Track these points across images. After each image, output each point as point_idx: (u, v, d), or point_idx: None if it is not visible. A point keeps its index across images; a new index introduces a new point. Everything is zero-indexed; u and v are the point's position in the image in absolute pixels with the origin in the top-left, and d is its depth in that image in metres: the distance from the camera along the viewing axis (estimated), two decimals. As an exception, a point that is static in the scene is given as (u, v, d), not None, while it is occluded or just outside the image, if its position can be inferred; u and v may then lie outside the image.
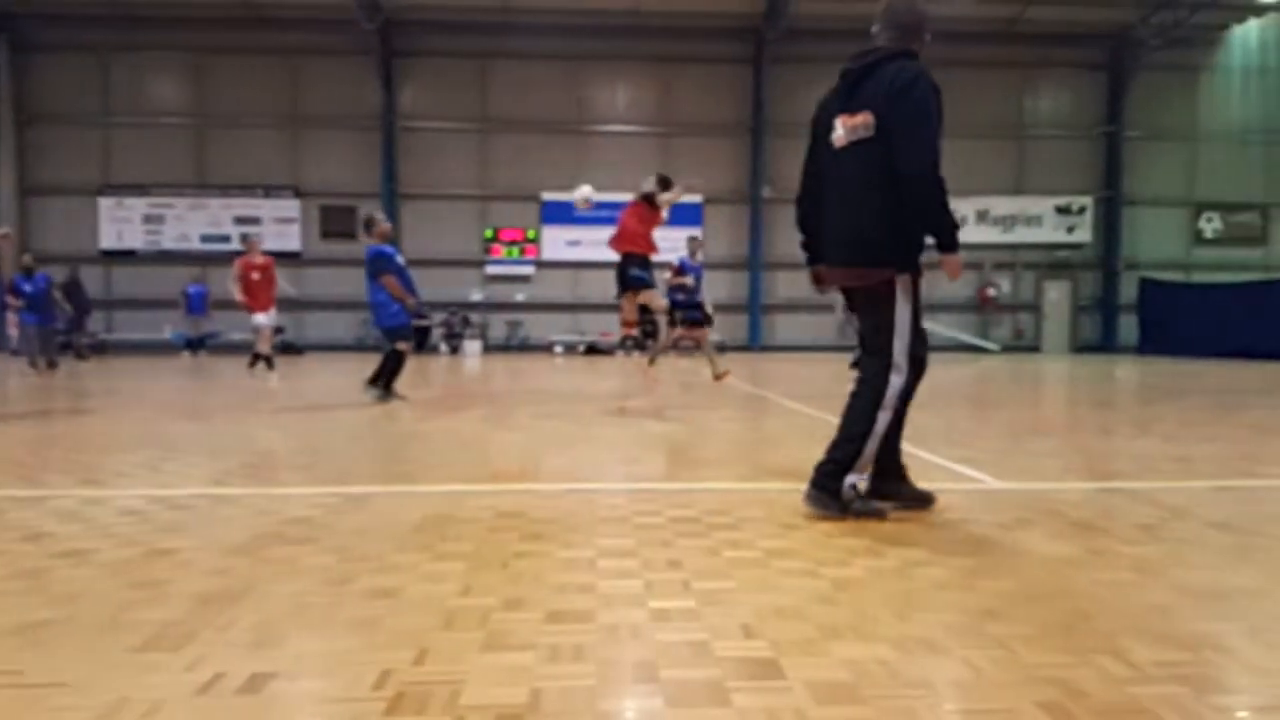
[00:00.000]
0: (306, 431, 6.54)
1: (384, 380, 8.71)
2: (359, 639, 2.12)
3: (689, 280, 11.15)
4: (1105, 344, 26.91)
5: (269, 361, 13.17)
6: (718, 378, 10.76)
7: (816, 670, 1.93)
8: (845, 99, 3.46)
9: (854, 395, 3.51)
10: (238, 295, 12.61)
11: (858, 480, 3.45)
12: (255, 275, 12.65)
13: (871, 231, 3.37)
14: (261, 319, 12.80)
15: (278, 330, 25.47)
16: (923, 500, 3.63)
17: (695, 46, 26.50)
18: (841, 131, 3.44)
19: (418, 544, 3.04)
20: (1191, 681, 1.87)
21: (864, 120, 3.35)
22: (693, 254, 11.41)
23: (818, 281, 3.85)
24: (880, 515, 3.40)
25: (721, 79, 26.81)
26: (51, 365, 14.96)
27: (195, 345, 21.28)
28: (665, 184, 8.77)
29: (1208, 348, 22.49)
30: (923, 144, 3.25)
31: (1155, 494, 3.99)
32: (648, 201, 8.62)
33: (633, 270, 8.50)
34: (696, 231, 26.89)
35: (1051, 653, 2.04)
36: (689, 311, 11.19)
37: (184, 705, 1.76)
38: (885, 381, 3.41)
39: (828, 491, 3.43)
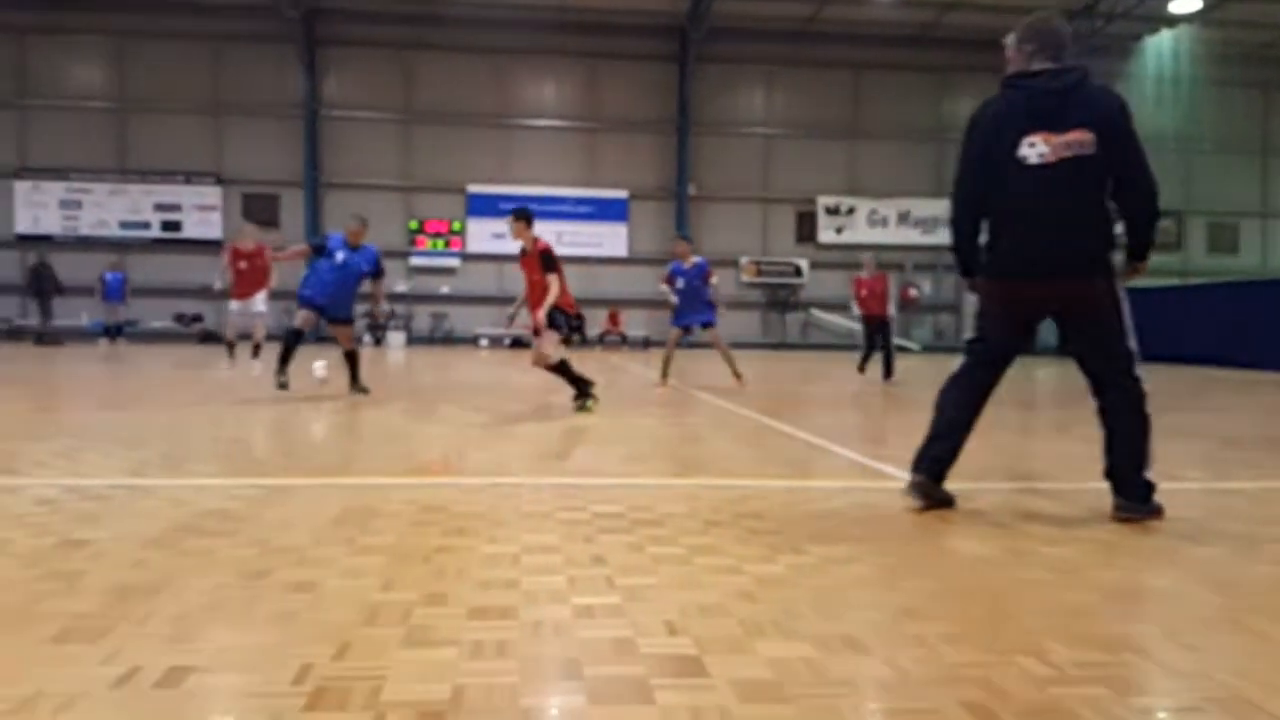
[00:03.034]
0: (227, 422, 6.40)
1: (354, 374, 8.71)
2: (278, 633, 2.10)
3: (679, 283, 10.59)
4: (1024, 345, 27.83)
5: (253, 349, 12.76)
6: (738, 380, 10.42)
7: (740, 668, 1.94)
8: (1046, 117, 3.52)
9: (1119, 402, 3.58)
10: (218, 283, 12.19)
11: (1152, 477, 3.56)
12: (242, 264, 12.21)
13: (1096, 242, 3.53)
14: (233, 306, 12.40)
15: (195, 319, 24.91)
16: (948, 501, 3.74)
17: (622, 43, 26.58)
18: (1046, 149, 3.50)
19: (339, 537, 3.01)
20: (1112, 683, 1.91)
21: (1079, 138, 3.44)
22: (682, 256, 10.73)
23: (974, 289, 3.96)
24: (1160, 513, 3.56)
25: (647, 76, 26.94)
26: None
27: (113, 333, 20.66)
28: (521, 215, 7.58)
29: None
30: (1148, 161, 3.49)
31: (1074, 495, 4.10)
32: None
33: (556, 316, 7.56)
34: (624, 226, 27.03)
35: (973, 652, 2.07)
36: (691, 316, 10.61)
37: (100, 699, 1.73)
38: (1140, 378, 3.56)
39: (1136, 498, 3.53)
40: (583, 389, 7.56)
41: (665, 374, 10.82)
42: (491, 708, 1.73)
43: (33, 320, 22.14)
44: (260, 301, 12.43)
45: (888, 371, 12.16)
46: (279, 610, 2.26)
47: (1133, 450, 3.55)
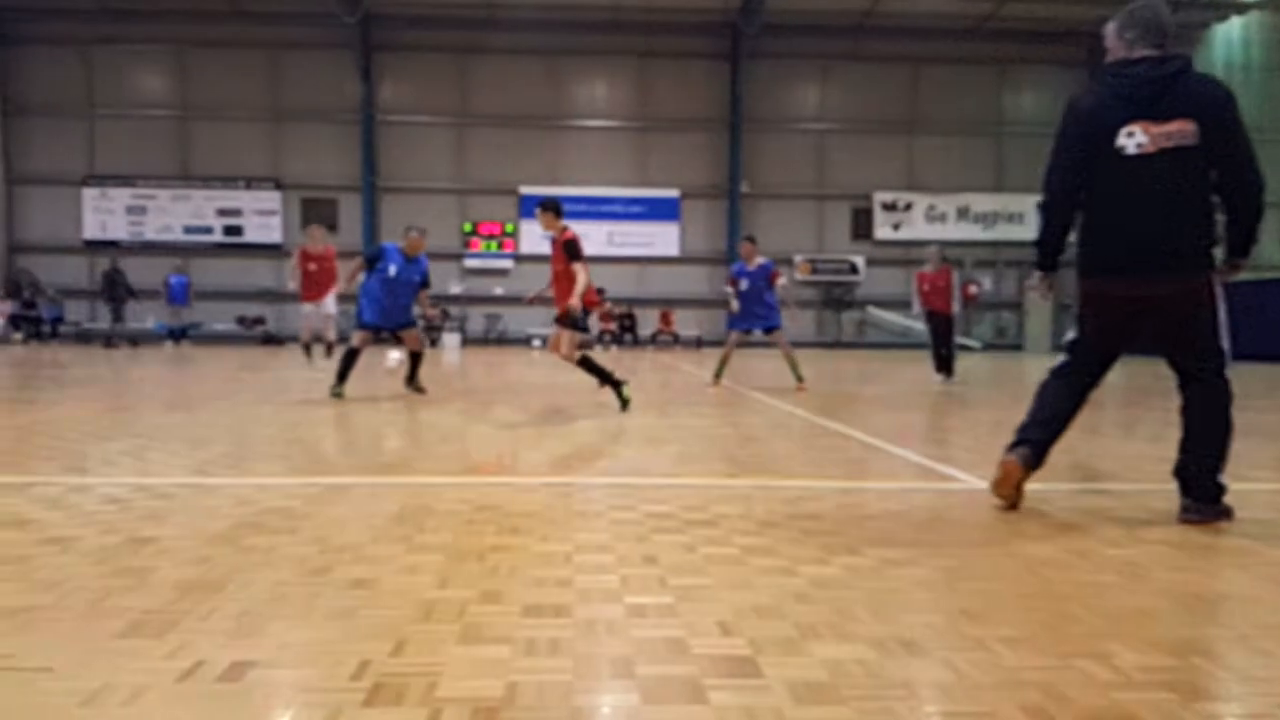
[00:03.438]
0: (288, 422, 6.53)
1: (412, 375, 8.90)
2: (337, 629, 2.13)
3: (743, 285, 10.32)
4: (1087, 344, 27.08)
5: (325, 348, 13.06)
6: (800, 386, 10.12)
7: (795, 669, 1.93)
8: (1145, 105, 3.41)
9: (1203, 400, 3.48)
10: (291, 284, 12.50)
11: (1223, 479, 3.47)
12: (311, 266, 12.45)
13: (1197, 238, 3.40)
14: (306, 308, 12.70)
15: (257, 321, 25.48)
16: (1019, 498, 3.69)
17: (673, 42, 26.60)
18: (1145, 139, 3.39)
19: (396, 535, 3.05)
20: (1178, 688, 1.85)
21: (1181, 128, 3.33)
22: (748, 258, 10.40)
23: (1047, 285, 3.92)
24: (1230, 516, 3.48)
25: (699, 74, 26.91)
26: None
27: (177, 335, 21.25)
28: (548, 206, 7.59)
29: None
30: (1255, 155, 3.37)
31: (1140, 496, 3.99)
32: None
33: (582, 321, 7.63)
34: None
35: (1034, 655, 2.03)
36: (751, 320, 10.38)
37: (165, 692, 1.78)
38: (1229, 380, 3.47)
39: (1205, 499, 3.45)
40: (612, 381, 7.55)
41: (719, 375, 10.68)
42: (544, 705, 1.74)
43: (102, 323, 22.89)
44: (330, 303, 12.67)
45: (948, 370, 11.90)
46: (338, 607, 2.30)
47: (1208, 450, 3.43)
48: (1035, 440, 3.63)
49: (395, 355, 8.82)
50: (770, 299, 10.33)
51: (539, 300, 8.21)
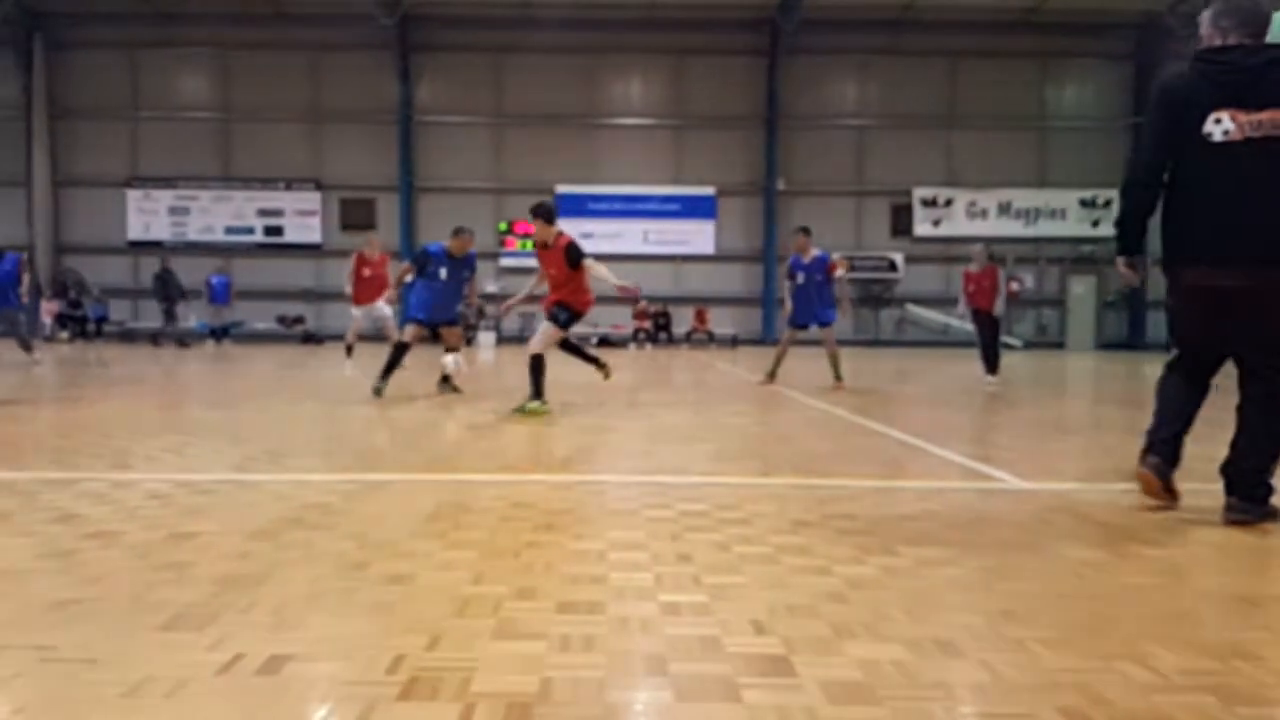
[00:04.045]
0: (326, 419, 6.62)
1: (445, 378, 8.85)
2: (374, 624, 2.16)
3: (800, 279, 10.17)
4: (1132, 341, 26.42)
5: (348, 351, 13.50)
6: (838, 384, 9.91)
7: (829, 669, 1.92)
8: (1236, 93, 3.34)
9: (1264, 398, 3.41)
10: (347, 288, 12.89)
11: (1273, 480, 3.42)
12: (366, 272, 12.81)
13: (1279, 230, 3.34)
14: (356, 312, 13.07)
15: (297, 320, 25.82)
16: (1175, 494, 3.61)
17: (709, 38, 26.45)
18: (1233, 126, 3.32)
19: (432, 532, 3.08)
20: (1220, 691, 1.82)
21: (1272, 117, 3.27)
22: (802, 250, 10.21)
23: (1133, 269, 3.83)
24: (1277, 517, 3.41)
25: (736, 71, 26.73)
26: (26, 348, 12.80)
27: (219, 334, 21.58)
28: (540, 212, 7.41)
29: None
30: None
31: (1184, 495, 3.92)
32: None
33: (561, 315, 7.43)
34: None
35: (1072, 657, 2.00)
36: (810, 315, 10.20)
37: (206, 684, 1.81)
38: None
39: (1253, 499, 3.39)
40: (538, 392, 7.20)
41: (773, 374, 10.38)
42: (578, 701, 1.75)
43: (146, 323, 23.30)
44: (383, 306, 12.97)
45: (994, 369, 11.59)
46: (375, 601, 2.33)
47: (1261, 449, 3.34)
48: (1163, 440, 3.56)
49: (454, 358, 8.75)
50: (827, 293, 10.13)
51: (516, 306, 8.12)
